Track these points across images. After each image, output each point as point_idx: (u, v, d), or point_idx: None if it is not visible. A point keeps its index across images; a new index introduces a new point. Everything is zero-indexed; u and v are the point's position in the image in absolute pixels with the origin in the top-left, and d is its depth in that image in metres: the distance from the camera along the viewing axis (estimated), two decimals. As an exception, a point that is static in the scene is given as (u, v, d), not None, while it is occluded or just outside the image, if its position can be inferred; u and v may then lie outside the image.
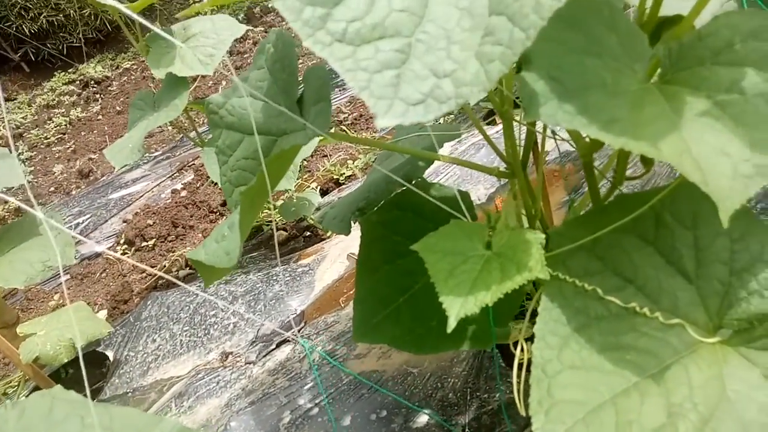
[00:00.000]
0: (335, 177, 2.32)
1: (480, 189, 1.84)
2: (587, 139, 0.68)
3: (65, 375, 1.60)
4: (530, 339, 0.60)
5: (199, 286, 1.82)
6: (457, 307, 0.53)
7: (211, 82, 3.99)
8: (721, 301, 0.59)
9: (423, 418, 1.17)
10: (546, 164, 1.68)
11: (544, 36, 0.54)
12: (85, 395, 0.70)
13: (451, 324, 0.52)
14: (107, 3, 1.35)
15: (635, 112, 0.51)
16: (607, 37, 0.56)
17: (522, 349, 0.66)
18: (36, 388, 1.59)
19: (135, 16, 0.61)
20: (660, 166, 1.65)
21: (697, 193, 0.47)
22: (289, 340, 1.49)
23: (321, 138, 1.06)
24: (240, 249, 0.74)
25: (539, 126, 0.95)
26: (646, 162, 0.72)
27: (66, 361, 1.39)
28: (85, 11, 5.09)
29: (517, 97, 0.56)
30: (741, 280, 0.59)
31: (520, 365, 0.65)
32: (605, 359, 0.56)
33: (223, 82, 3.70)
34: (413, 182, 0.92)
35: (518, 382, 0.65)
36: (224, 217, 2.41)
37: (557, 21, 0.55)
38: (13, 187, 3.44)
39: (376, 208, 0.92)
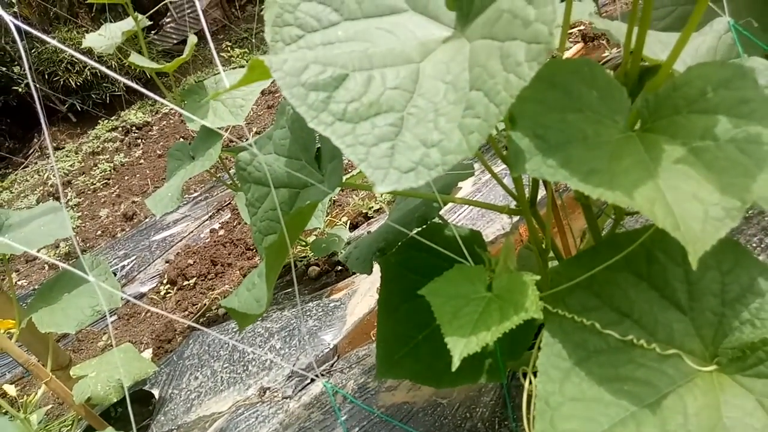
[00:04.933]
0: (364, 211, 2.40)
1: (504, 218, 1.88)
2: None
3: (114, 414, 1.69)
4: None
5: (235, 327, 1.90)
6: (460, 347, 0.58)
7: (245, 123, 4.15)
8: (716, 331, 0.62)
9: (453, 448, 1.21)
10: (567, 192, 1.71)
11: (527, 97, 0.60)
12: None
13: (455, 363, 0.56)
14: (144, 66, 1.46)
15: (614, 162, 0.56)
16: (587, 93, 0.61)
17: (530, 382, 0.70)
18: (88, 427, 1.68)
19: (147, 92, 0.69)
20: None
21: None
22: (323, 374, 1.54)
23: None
24: (269, 297, 0.81)
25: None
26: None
27: (115, 400, 1.48)
28: (125, 62, 5.39)
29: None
30: (733, 311, 0.62)
31: (530, 396, 0.69)
32: (604, 390, 0.60)
33: (254, 128, 3.85)
34: (428, 223, 0.98)
35: (528, 412, 0.69)
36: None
37: (540, 83, 0.61)
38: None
39: (394, 249, 0.98)
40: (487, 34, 0.52)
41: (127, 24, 1.67)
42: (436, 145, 0.50)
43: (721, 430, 0.56)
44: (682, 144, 0.57)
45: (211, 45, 0.78)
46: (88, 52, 4.79)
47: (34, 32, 0.92)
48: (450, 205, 2.05)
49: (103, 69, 0.84)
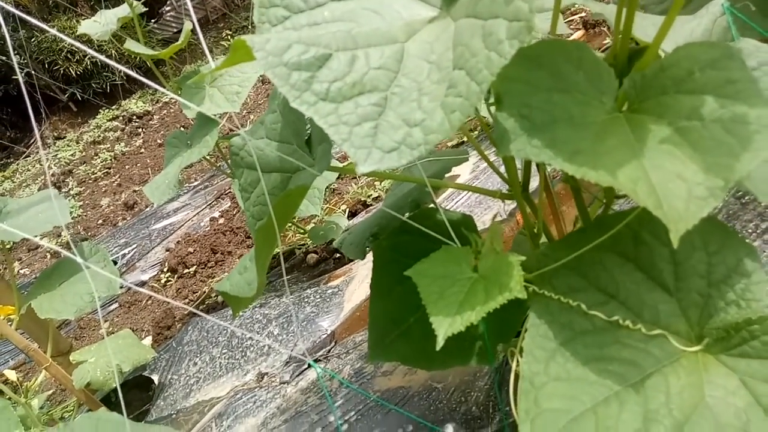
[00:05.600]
0: (363, 199, 2.40)
1: (500, 203, 1.88)
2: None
3: (115, 399, 1.71)
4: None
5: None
6: (445, 327, 0.58)
7: (244, 111, 4.15)
8: (701, 312, 0.62)
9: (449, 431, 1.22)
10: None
11: (514, 77, 0.60)
12: (132, 418, 0.78)
13: (439, 342, 0.57)
14: (139, 52, 1.46)
15: (598, 142, 0.56)
16: (575, 74, 0.61)
17: (518, 363, 0.70)
18: (89, 412, 1.70)
19: (144, 79, 0.69)
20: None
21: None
22: (320, 360, 1.55)
23: (336, 174, 1.12)
24: (261, 280, 0.81)
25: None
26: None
27: (114, 386, 1.49)
28: (123, 51, 5.38)
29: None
30: (719, 291, 0.62)
31: (517, 377, 0.69)
32: (589, 370, 0.60)
33: (251, 116, 3.84)
34: (420, 207, 0.98)
35: (515, 393, 0.70)
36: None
37: (526, 62, 0.61)
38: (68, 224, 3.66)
39: (387, 234, 0.98)
40: (471, 13, 0.51)
41: (123, 10, 1.66)
42: (418, 124, 0.50)
43: (703, 409, 0.56)
44: (668, 124, 0.57)
45: (199, 32, 0.78)
46: (88, 41, 4.78)
47: (30, 20, 0.91)
48: (448, 192, 2.05)
49: (101, 57, 0.84)
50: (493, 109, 1.01)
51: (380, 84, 0.53)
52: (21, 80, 0.93)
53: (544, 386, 0.59)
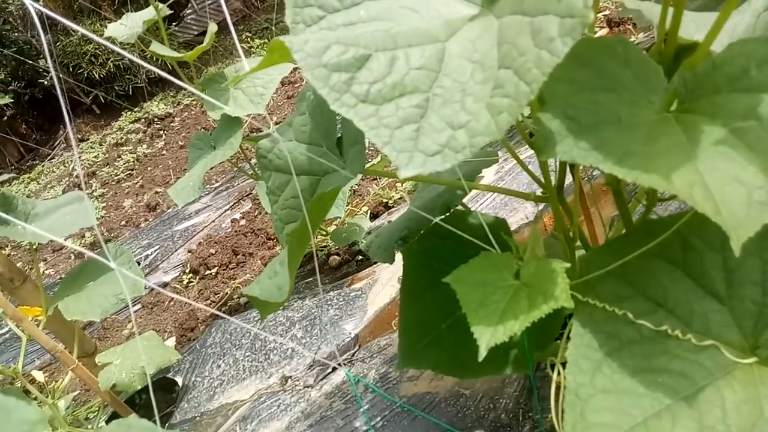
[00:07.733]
0: (384, 200, 2.38)
1: (528, 207, 1.85)
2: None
3: (139, 400, 1.71)
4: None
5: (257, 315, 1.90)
6: (487, 337, 0.56)
7: (265, 112, 4.15)
8: (756, 322, 0.59)
9: (477, 439, 1.19)
10: (595, 179, 1.67)
11: (558, 77, 0.57)
12: (155, 421, 0.77)
13: (482, 353, 0.55)
14: (164, 54, 1.46)
15: (650, 144, 0.53)
16: (622, 73, 0.58)
17: (559, 373, 0.68)
18: (114, 413, 1.71)
19: (177, 81, 0.68)
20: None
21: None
22: (344, 364, 1.54)
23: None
24: (291, 284, 0.79)
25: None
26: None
27: (139, 387, 1.49)
28: (147, 53, 5.44)
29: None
30: (775, 301, 0.59)
31: (558, 387, 0.67)
32: (637, 382, 0.57)
33: (274, 117, 3.85)
34: (451, 210, 0.96)
35: (557, 404, 0.67)
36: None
37: (571, 61, 0.58)
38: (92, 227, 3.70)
39: (417, 237, 0.96)
40: (517, 10, 0.49)
41: (148, 13, 1.67)
42: (463, 126, 0.48)
43: (762, 425, 0.53)
44: (722, 124, 0.54)
45: (233, 32, 0.76)
46: (112, 44, 4.80)
47: (63, 20, 0.91)
48: (472, 194, 2.02)
49: (131, 57, 0.83)
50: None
51: (421, 85, 0.51)
52: (56, 84, 0.93)
53: (590, 399, 0.57)
